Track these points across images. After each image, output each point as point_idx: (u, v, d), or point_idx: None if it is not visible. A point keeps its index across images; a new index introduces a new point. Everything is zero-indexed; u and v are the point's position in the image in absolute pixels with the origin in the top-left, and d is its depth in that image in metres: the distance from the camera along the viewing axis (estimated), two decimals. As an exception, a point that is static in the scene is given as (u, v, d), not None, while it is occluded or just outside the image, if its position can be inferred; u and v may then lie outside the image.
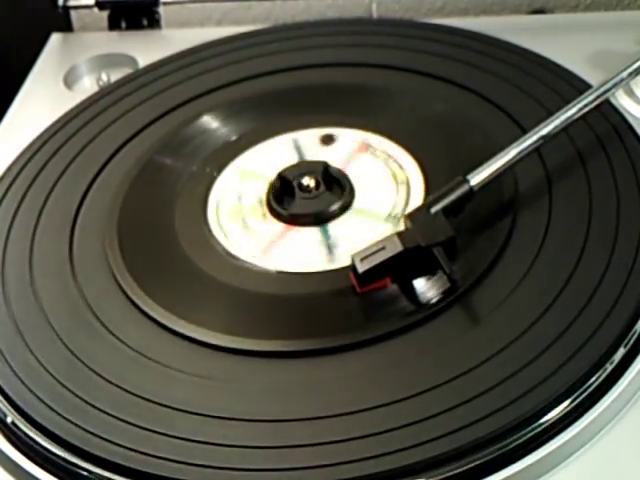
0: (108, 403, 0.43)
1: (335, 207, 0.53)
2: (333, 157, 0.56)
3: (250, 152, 0.59)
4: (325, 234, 0.52)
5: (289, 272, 0.50)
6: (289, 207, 0.54)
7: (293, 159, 0.57)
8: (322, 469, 0.40)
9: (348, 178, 0.54)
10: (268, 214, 0.54)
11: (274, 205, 0.54)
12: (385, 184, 0.54)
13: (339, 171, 0.55)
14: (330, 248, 0.51)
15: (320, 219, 0.53)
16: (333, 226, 0.52)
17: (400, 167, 0.55)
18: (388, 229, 0.50)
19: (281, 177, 0.55)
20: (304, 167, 0.55)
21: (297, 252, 0.51)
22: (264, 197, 0.55)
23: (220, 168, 0.58)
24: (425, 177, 0.54)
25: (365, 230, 0.52)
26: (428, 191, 0.53)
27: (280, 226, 0.53)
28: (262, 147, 0.59)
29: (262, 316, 0.48)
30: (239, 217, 0.54)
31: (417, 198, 0.53)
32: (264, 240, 0.52)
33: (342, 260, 0.50)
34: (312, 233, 0.52)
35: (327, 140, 0.58)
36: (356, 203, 0.53)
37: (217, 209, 0.55)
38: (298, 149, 0.58)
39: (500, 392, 0.41)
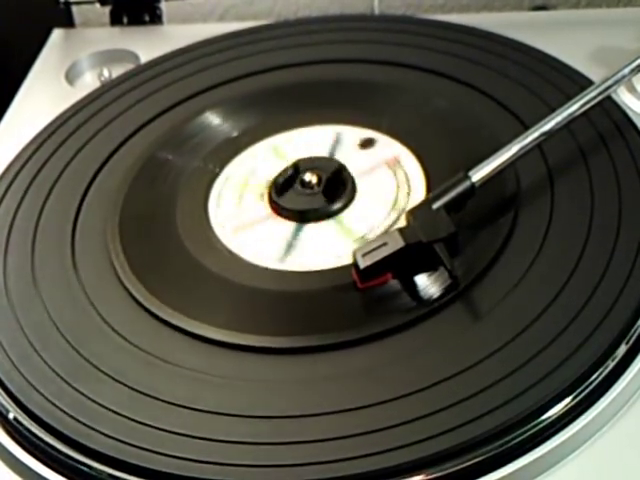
0: (110, 399, 0.43)
1: (319, 211, 0.53)
2: (359, 162, 0.56)
3: (292, 133, 0.59)
4: (296, 233, 0.52)
5: (291, 267, 0.50)
6: (282, 196, 0.54)
7: (324, 152, 0.57)
8: (322, 465, 0.40)
9: (353, 188, 0.54)
10: (266, 196, 0.55)
11: (271, 189, 0.54)
12: (382, 207, 0.53)
13: (350, 178, 0.54)
14: (289, 248, 0.51)
15: (300, 217, 0.53)
16: (309, 228, 0.52)
17: (408, 194, 0.54)
18: (348, 250, 0.49)
19: (295, 166, 0.55)
20: (320, 163, 0.55)
21: (259, 241, 0.52)
22: (271, 179, 0.55)
23: (222, 164, 0.57)
24: (426, 173, 0.54)
25: (331, 244, 0.51)
26: (429, 188, 0.53)
27: (266, 211, 0.54)
28: (305, 131, 0.59)
29: (263, 312, 0.48)
30: (241, 190, 0.55)
31: (417, 199, 0.53)
32: (244, 219, 0.53)
33: (290, 264, 0.50)
34: (286, 227, 0.53)
35: (366, 144, 0.58)
36: (344, 214, 0.53)
37: (226, 180, 0.56)
38: (335, 144, 0.58)
39: (501, 389, 0.41)
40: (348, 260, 0.48)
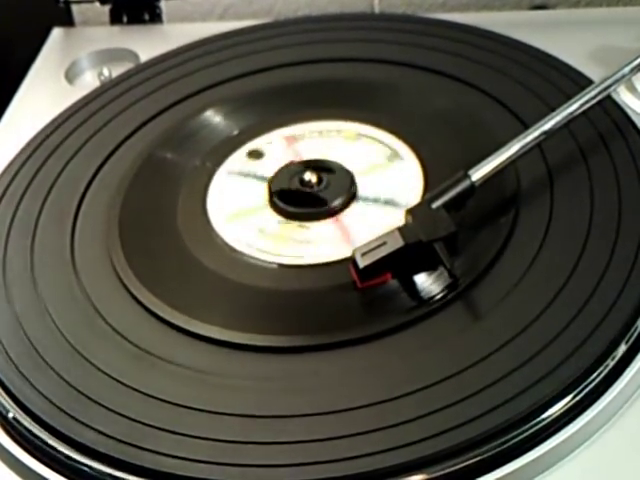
0: (109, 399, 0.43)
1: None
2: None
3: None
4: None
5: (291, 266, 0.50)
6: (281, 195, 0.54)
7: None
8: (322, 465, 0.40)
9: (353, 187, 0.54)
10: (265, 195, 0.55)
11: (270, 188, 0.55)
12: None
13: (350, 177, 0.54)
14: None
15: (299, 216, 0.53)
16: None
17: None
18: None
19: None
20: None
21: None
22: (271, 178, 0.55)
23: (222, 163, 0.57)
24: (426, 172, 0.54)
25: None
26: (429, 187, 0.53)
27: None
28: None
29: (263, 311, 0.48)
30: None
31: (416, 198, 0.53)
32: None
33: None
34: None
35: (254, 154, 0.58)
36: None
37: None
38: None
39: (501, 388, 0.41)
40: (347, 260, 0.48)
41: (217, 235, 0.53)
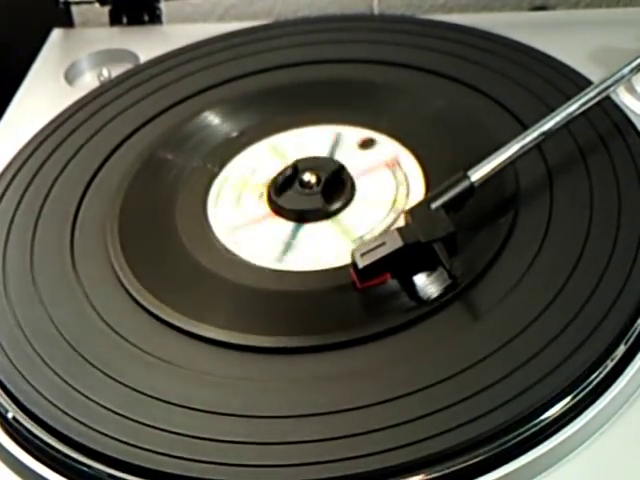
0: (109, 398, 0.43)
1: (318, 211, 0.53)
2: (358, 162, 0.56)
3: (292, 133, 0.59)
4: (294, 233, 0.52)
5: (289, 267, 0.50)
6: (281, 196, 0.54)
7: (323, 152, 0.57)
8: (322, 465, 0.40)
9: (352, 188, 0.54)
10: (265, 195, 0.55)
11: (270, 189, 0.54)
12: (381, 207, 0.53)
13: (349, 178, 0.54)
14: (287, 247, 0.51)
15: (299, 217, 0.53)
16: (307, 228, 0.52)
17: (407, 194, 0.53)
18: (347, 250, 0.49)
19: (294, 166, 0.55)
20: (319, 163, 0.55)
21: (258, 240, 0.52)
22: (270, 179, 0.55)
23: (221, 164, 0.58)
24: (425, 173, 0.54)
25: (330, 244, 0.51)
26: (429, 187, 0.53)
27: (265, 210, 0.54)
28: (304, 131, 0.59)
29: (262, 312, 0.48)
30: (240, 189, 0.55)
31: (416, 199, 0.52)
32: (244, 218, 0.53)
33: (289, 264, 0.50)
34: (284, 226, 0.53)
35: (366, 144, 0.58)
36: (343, 214, 0.53)
37: (226, 180, 0.56)
38: (335, 144, 0.58)
39: (501, 388, 0.41)
40: (346, 260, 0.48)
41: (216, 236, 0.53)
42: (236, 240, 0.52)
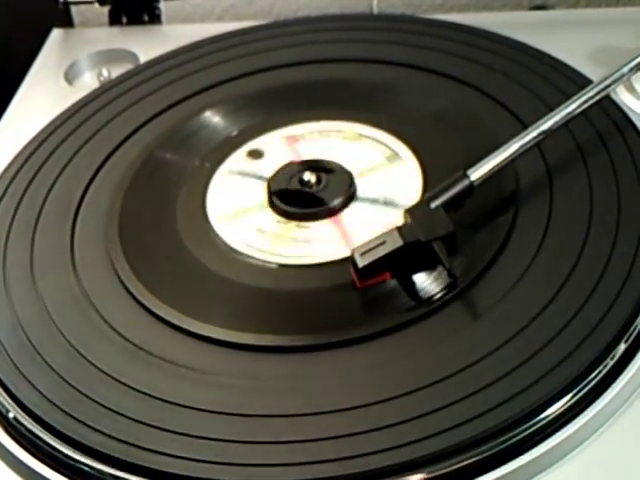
0: (109, 398, 0.43)
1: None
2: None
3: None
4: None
5: (290, 266, 0.50)
6: (280, 195, 0.54)
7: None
8: (321, 465, 0.40)
9: (352, 187, 0.54)
10: (265, 194, 0.55)
11: (270, 187, 0.55)
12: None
13: (349, 178, 0.54)
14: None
15: (298, 216, 0.53)
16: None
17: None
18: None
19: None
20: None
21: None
22: (270, 177, 0.56)
23: (221, 163, 0.58)
24: (425, 172, 0.54)
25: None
26: (428, 187, 0.53)
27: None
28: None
29: (262, 311, 0.48)
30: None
31: (416, 198, 0.53)
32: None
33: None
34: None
35: (254, 154, 0.58)
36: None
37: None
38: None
39: (501, 387, 0.41)
40: (346, 259, 0.48)
41: (217, 235, 0.53)
42: (236, 239, 0.52)
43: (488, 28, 0.64)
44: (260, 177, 0.56)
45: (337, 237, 0.51)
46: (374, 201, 0.53)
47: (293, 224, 0.53)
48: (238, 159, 0.58)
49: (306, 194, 0.54)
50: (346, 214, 0.53)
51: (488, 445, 0.40)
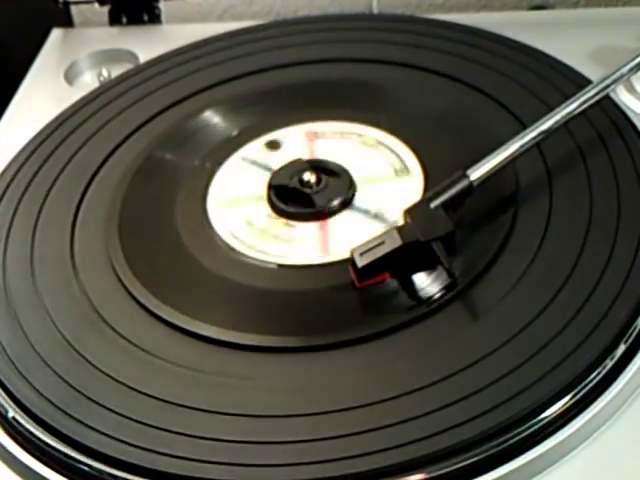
0: (109, 398, 0.43)
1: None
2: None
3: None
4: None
5: (289, 266, 0.50)
6: (279, 193, 0.54)
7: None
8: (321, 464, 0.40)
9: (351, 192, 0.54)
10: (264, 192, 0.55)
11: (270, 185, 0.55)
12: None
13: (350, 182, 0.54)
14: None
15: (290, 215, 0.53)
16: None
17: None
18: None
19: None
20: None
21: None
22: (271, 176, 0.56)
23: (221, 163, 0.58)
24: (425, 172, 0.54)
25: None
26: (428, 187, 0.53)
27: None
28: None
29: (261, 311, 0.48)
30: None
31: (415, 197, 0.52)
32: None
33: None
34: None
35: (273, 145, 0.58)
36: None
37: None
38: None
39: (500, 388, 0.41)
40: (314, 267, 0.49)
41: (216, 235, 0.53)
42: (236, 239, 0.52)
43: (488, 28, 0.64)
44: (269, 169, 0.56)
45: (317, 242, 0.51)
46: (366, 212, 0.53)
47: (282, 221, 0.53)
48: (254, 148, 0.58)
49: (301, 193, 0.54)
50: (335, 220, 0.52)
51: (488, 445, 0.40)
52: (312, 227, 0.52)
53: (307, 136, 0.59)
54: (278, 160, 0.57)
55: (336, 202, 0.53)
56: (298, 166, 0.55)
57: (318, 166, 0.55)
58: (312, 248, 0.51)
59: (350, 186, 0.54)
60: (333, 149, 0.57)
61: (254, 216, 0.54)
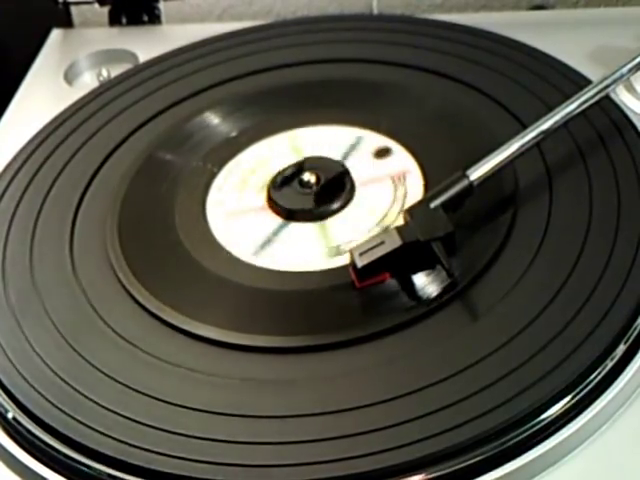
0: (109, 399, 0.43)
1: (307, 212, 0.53)
2: (365, 169, 0.56)
3: (291, 133, 0.59)
4: (279, 230, 0.52)
5: (288, 267, 0.50)
6: (278, 192, 0.54)
7: (337, 155, 0.57)
8: (321, 465, 0.40)
9: (350, 194, 0.54)
10: (264, 191, 0.55)
11: (270, 184, 0.55)
12: (369, 220, 0.53)
13: (350, 184, 0.54)
14: (267, 244, 0.52)
15: (287, 215, 0.53)
16: (292, 227, 0.53)
17: (398, 212, 0.52)
18: (319, 256, 0.50)
19: (298, 164, 0.55)
20: (324, 164, 0.55)
21: (256, 239, 0.52)
22: (273, 176, 0.56)
23: (221, 164, 0.58)
24: (424, 173, 0.54)
25: (306, 247, 0.51)
26: (428, 187, 0.53)
27: (264, 207, 0.54)
28: (304, 131, 0.59)
29: (261, 312, 0.48)
30: (240, 189, 0.56)
31: (416, 195, 0.53)
32: (242, 217, 0.54)
33: (266, 262, 0.51)
34: (274, 223, 0.53)
35: (381, 153, 0.57)
36: (331, 219, 0.53)
37: (225, 179, 0.57)
38: (352, 147, 0.58)
39: (500, 388, 0.41)
40: (316, 266, 0.49)
41: (215, 236, 0.53)
42: (236, 239, 0.52)
43: (487, 28, 0.64)
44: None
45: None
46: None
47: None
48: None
49: (301, 194, 0.54)
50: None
51: (488, 446, 0.40)
52: (310, 227, 0.52)
53: (307, 136, 0.59)
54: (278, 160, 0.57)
55: (337, 202, 0.53)
56: (298, 166, 0.55)
57: (318, 166, 0.55)
58: (313, 248, 0.51)
59: (350, 186, 0.54)
60: (333, 149, 0.57)
61: (254, 216, 0.53)
